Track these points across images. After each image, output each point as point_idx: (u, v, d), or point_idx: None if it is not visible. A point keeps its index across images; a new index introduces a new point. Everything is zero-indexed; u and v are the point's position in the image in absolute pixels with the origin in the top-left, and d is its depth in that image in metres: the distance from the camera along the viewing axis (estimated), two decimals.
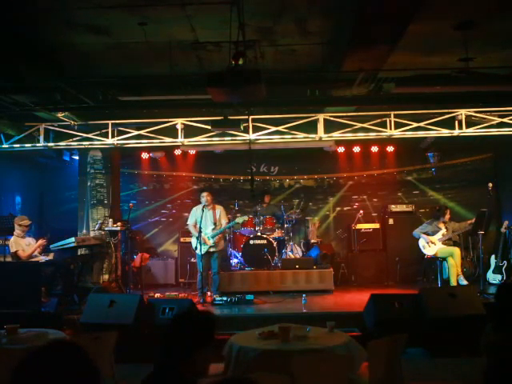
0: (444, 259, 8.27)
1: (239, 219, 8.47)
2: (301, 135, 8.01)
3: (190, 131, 8.13)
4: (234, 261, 9.33)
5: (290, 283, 8.58)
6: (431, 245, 8.37)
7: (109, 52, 5.99)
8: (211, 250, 7.85)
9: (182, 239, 9.96)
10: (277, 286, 8.55)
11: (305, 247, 10.07)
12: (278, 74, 6.40)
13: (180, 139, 8.05)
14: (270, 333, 4.18)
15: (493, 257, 8.75)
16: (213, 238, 7.84)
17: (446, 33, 5.45)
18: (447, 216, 8.53)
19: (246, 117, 7.80)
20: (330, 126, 8.02)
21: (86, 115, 8.01)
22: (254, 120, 7.97)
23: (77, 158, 9.91)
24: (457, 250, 8.25)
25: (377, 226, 10.04)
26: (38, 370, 1.49)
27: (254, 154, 8.36)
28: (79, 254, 8.28)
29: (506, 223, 8.79)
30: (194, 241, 7.94)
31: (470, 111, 7.83)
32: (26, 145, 8.20)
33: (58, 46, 5.80)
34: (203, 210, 7.79)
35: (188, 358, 2.21)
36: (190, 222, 8.04)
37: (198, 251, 7.72)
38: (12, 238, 7.45)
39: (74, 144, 8.31)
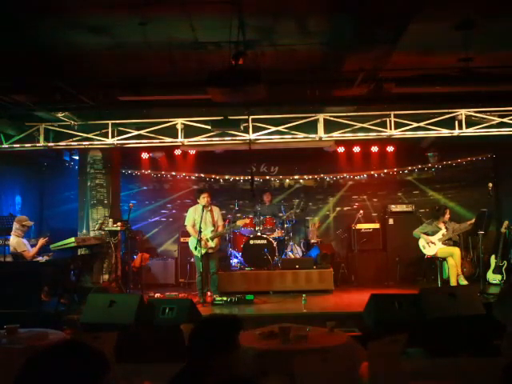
0: (444, 259, 8.28)
1: (239, 222, 8.44)
2: (301, 135, 8.01)
3: (190, 131, 8.13)
4: (234, 261, 9.33)
5: (290, 283, 8.59)
6: (431, 245, 8.38)
7: (109, 52, 5.98)
8: (210, 250, 7.85)
9: (181, 239, 9.96)
10: (277, 286, 8.56)
11: (305, 247, 10.08)
12: (278, 74, 6.39)
13: (180, 139, 8.05)
14: (270, 333, 4.18)
15: (493, 257, 8.75)
16: (212, 239, 7.84)
17: (445, 33, 5.44)
18: (447, 216, 8.54)
19: (246, 117, 7.80)
20: (329, 126, 8.02)
21: (86, 115, 8.01)
22: (254, 120, 7.97)
23: (77, 157, 9.90)
24: (457, 250, 8.25)
25: (377, 225, 10.05)
26: (46, 369, 1.49)
27: (254, 153, 8.36)
28: (79, 253, 8.27)
29: (506, 223, 8.78)
30: (192, 242, 7.92)
31: (470, 111, 7.82)
32: (26, 145, 8.20)
33: (58, 45, 5.79)
34: (203, 211, 7.78)
35: (210, 364, 2.19)
36: (188, 223, 8.01)
37: (196, 252, 7.71)
38: (14, 239, 7.43)
39: (73, 144, 8.31)
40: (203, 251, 7.68)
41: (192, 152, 10.27)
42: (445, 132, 7.95)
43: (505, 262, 8.58)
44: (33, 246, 7.69)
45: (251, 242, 8.96)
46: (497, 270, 8.59)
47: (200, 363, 2.20)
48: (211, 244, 7.83)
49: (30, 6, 4.78)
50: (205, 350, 2.22)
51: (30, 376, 1.49)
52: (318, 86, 7.08)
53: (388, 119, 7.91)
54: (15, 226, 7.49)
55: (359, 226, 9.99)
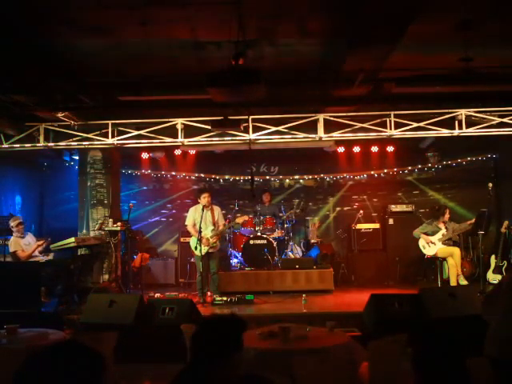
0: (444, 259, 8.28)
1: (239, 219, 8.47)
2: (301, 135, 8.00)
3: (190, 131, 8.12)
4: (234, 261, 9.33)
5: (290, 283, 8.58)
6: (431, 245, 8.38)
7: (109, 52, 5.99)
8: (210, 250, 7.85)
9: (181, 239, 9.96)
10: (277, 286, 8.55)
11: (305, 247, 10.08)
12: (278, 74, 6.39)
13: (180, 139, 8.04)
14: (270, 333, 4.18)
15: (493, 257, 8.75)
16: (212, 238, 7.84)
17: (446, 33, 5.45)
18: (447, 216, 8.54)
19: (246, 117, 7.79)
20: (329, 126, 8.02)
21: (86, 115, 8.00)
22: (254, 120, 7.96)
23: (77, 157, 9.90)
24: (457, 250, 8.26)
25: (377, 226, 10.05)
26: (44, 369, 1.50)
27: (254, 153, 8.36)
28: (79, 253, 8.27)
29: (506, 223, 8.78)
30: (193, 241, 7.94)
31: (470, 111, 7.82)
32: (26, 145, 8.19)
33: (58, 45, 5.79)
34: (203, 211, 7.79)
35: (213, 365, 2.17)
36: (189, 222, 8.03)
37: (197, 252, 7.72)
38: (11, 238, 7.52)
39: (73, 144, 8.30)
40: (204, 251, 7.69)
41: (192, 152, 10.27)
42: (445, 132, 7.94)
43: (505, 261, 8.59)
44: None
45: (251, 242, 8.97)
46: (497, 270, 8.59)
47: (203, 364, 2.19)
48: (211, 243, 7.83)
49: (31, 7, 4.79)
50: (208, 351, 2.21)
51: (29, 375, 1.50)
52: (318, 86, 7.08)
53: (388, 119, 7.90)
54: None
55: (359, 226, 9.98)
